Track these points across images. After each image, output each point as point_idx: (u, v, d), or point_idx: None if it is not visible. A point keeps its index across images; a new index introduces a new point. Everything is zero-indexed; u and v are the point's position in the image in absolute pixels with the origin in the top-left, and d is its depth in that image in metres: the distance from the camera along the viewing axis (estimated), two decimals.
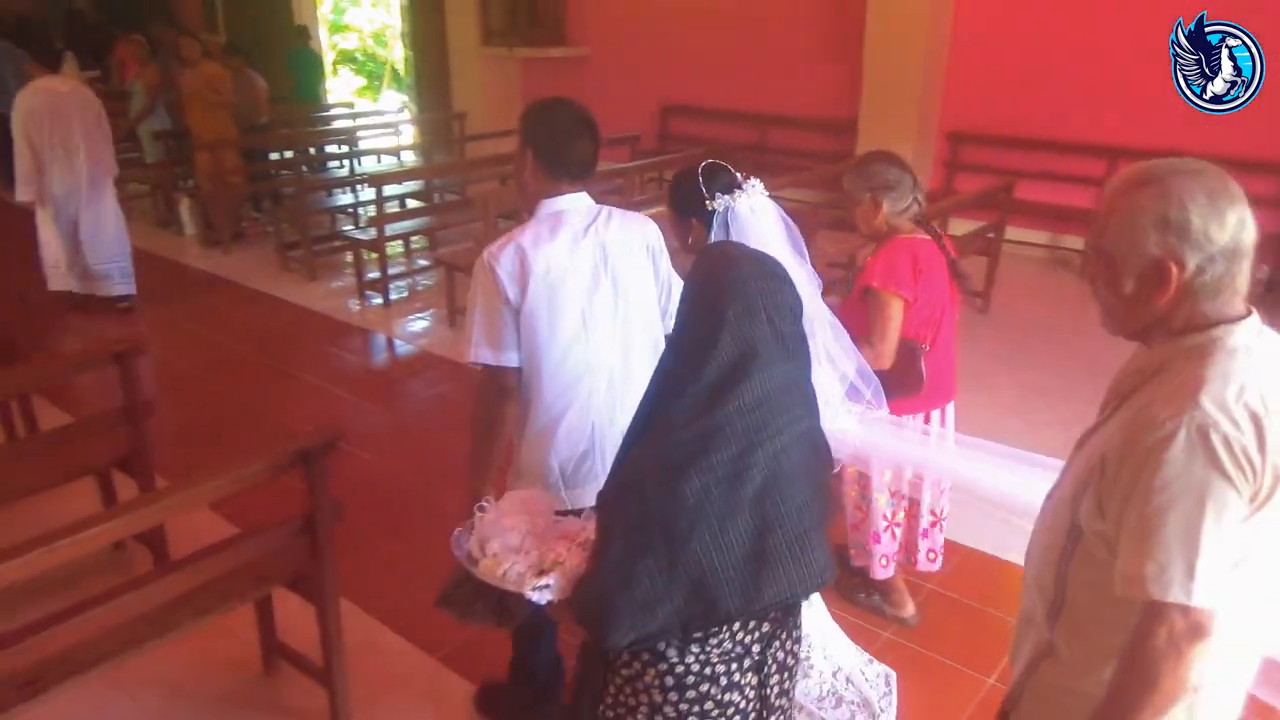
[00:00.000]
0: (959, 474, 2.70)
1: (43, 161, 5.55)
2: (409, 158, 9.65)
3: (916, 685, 2.75)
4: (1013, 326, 5.78)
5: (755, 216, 2.17)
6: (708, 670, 1.52)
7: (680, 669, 1.51)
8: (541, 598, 1.60)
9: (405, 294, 6.59)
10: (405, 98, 12.98)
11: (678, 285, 2.33)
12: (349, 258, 6.87)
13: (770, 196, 2.28)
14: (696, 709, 1.54)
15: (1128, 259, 1.34)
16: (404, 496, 3.92)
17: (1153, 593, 1.26)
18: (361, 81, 15.12)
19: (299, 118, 9.52)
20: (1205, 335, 1.33)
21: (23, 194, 5.65)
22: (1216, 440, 1.24)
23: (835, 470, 2.27)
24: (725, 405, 1.41)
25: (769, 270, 1.51)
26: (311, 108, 10.08)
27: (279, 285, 6.76)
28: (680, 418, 1.43)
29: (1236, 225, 1.29)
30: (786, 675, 1.66)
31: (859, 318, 2.69)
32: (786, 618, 1.62)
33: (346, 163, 8.65)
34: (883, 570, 3.05)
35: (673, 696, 1.53)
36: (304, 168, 8.54)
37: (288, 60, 10.45)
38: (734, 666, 1.54)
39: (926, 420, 2.86)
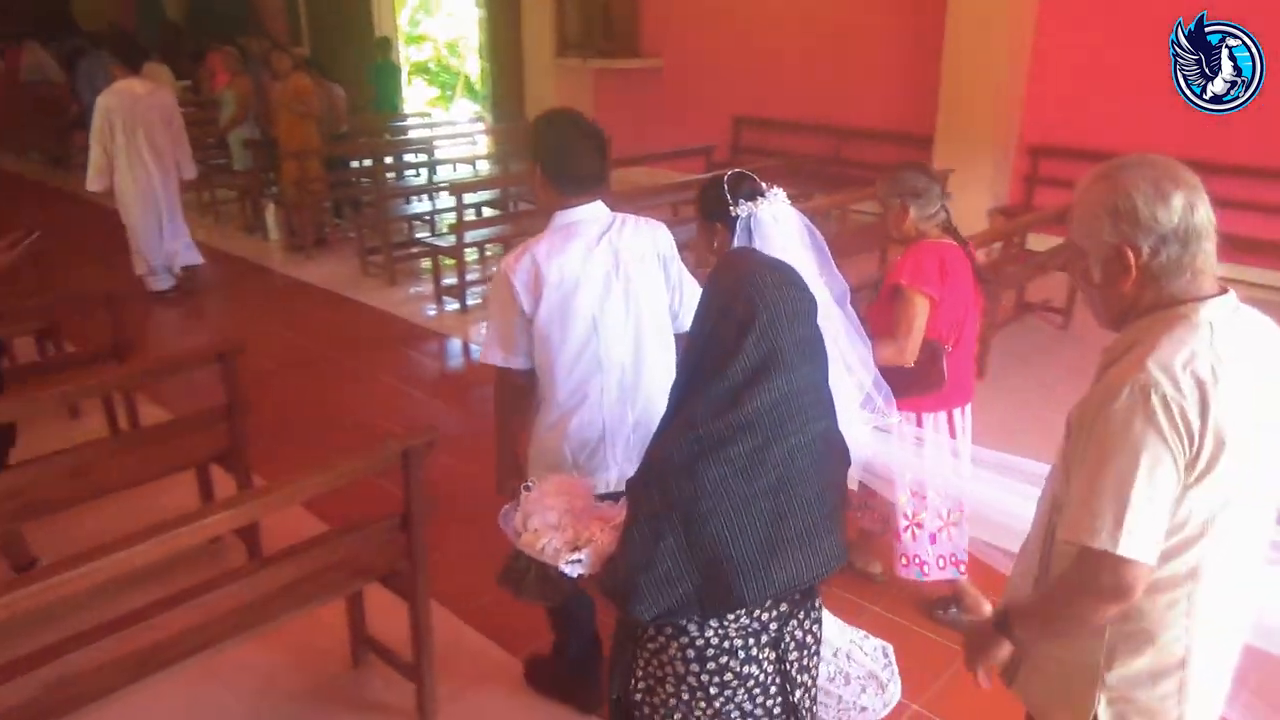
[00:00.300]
0: (969, 493, 2.80)
1: (113, 154, 6.03)
2: (483, 167, 9.82)
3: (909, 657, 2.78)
4: (1093, 342, 5.62)
5: (777, 224, 2.27)
6: (726, 644, 1.67)
7: (700, 642, 1.67)
8: (573, 570, 1.75)
9: (480, 300, 6.72)
10: (478, 108, 13.25)
11: (689, 287, 2.47)
12: (427, 264, 7.03)
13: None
14: (718, 679, 1.68)
15: (1091, 249, 1.46)
16: (480, 498, 3.97)
17: (1084, 539, 1.38)
18: (434, 92, 15.45)
19: (378, 127, 9.77)
20: (1173, 310, 1.42)
21: (92, 184, 6.17)
22: (1155, 400, 1.34)
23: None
24: (746, 404, 1.54)
25: (787, 278, 1.64)
26: (390, 117, 10.34)
27: (359, 290, 6.95)
28: (704, 413, 1.56)
29: (1184, 208, 1.39)
30: (806, 653, 1.78)
31: (887, 316, 2.83)
32: (804, 600, 1.75)
33: (423, 171, 8.84)
34: (904, 570, 3.08)
35: (694, 668, 1.68)
36: (384, 176, 8.75)
37: (368, 72, 10.74)
38: (751, 642, 1.68)
39: (950, 420, 2.96)
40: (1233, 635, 1.57)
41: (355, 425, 4.72)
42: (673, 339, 2.46)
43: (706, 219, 2.30)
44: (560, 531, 1.83)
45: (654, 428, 1.91)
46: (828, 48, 8.48)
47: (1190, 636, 1.49)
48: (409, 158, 9.35)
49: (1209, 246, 1.42)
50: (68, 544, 3.53)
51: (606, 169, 2.41)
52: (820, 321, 1.71)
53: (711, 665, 1.68)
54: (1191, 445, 1.35)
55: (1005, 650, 1.63)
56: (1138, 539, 1.36)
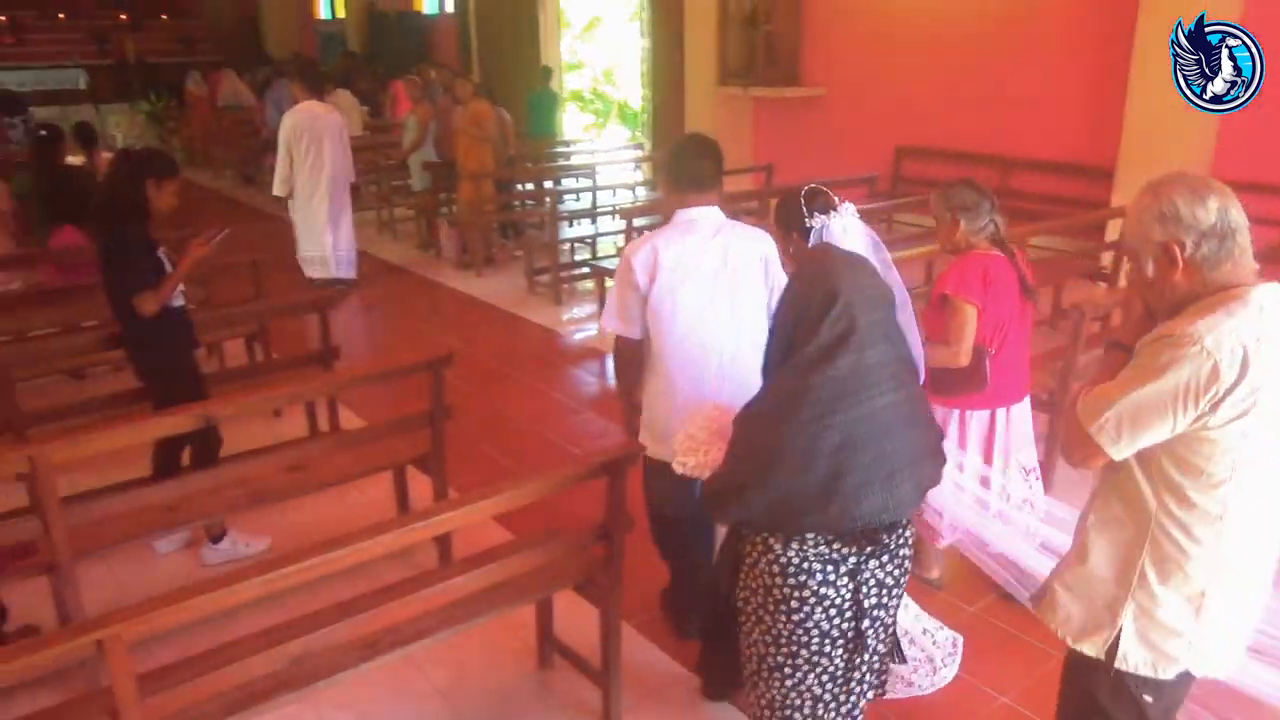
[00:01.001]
0: (986, 533, 2.88)
1: (296, 164, 7.02)
2: (641, 193, 10.06)
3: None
4: None
5: (846, 234, 2.49)
6: (805, 565, 1.97)
7: (784, 560, 1.98)
8: (678, 469, 2.22)
9: None
10: (631, 134, 13.57)
11: (781, 277, 2.76)
12: (590, 284, 7.25)
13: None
14: (797, 594, 1.98)
15: (1144, 250, 1.73)
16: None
17: (1089, 425, 1.70)
18: (588, 118, 15.90)
19: (542, 152, 10.16)
20: (1228, 292, 1.67)
21: (278, 189, 7.22)
22: (1192, 351, 1.60)
23: None
24: (817, 374, 1.88)
25: (865, 269, 2.00)
26: (552, 142, 10.73)
27: (526, 307, 7.23)
28: (786, 378, 1.93)
29: (1219, 209, 1.66)
30: (884, 592, 2.05)
31: (936, 322, 3.07)
32: (878, 547, 2.01)
33: (583, 195, 9.13)
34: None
35: (778, 580, 1.99)
36: (554, 199, 9.09)
37: (530, 99, 11.19)
38: (830, 569, 1.97)
39: (992, 418, 3.14)
40: (1253, 581, 1.80)
41: (527, 436, 4.92)
42: (768, 330, 2.62)
43: (784, 229, 2.48)
44: (688, 438, 2.25)
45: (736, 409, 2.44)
46: (997, 76, 8.28)
47: (1212, 571, 1.74)
48: (568, 182, 9.68)
49: (1243, 241, 1.68)
50: (281, 531, 3.88)
51: (720, 177, 2.80)
52: None
53: (792, 580, 1.98)
54: (1214, 397, 1.61)
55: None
56: (1123, 448, 1.69)
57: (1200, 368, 1.59)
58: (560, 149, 10.67)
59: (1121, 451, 1.70)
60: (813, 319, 1.89)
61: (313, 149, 7.00)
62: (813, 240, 2.45)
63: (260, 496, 3.26)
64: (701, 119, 10.60)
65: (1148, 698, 1.83)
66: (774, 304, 2.65)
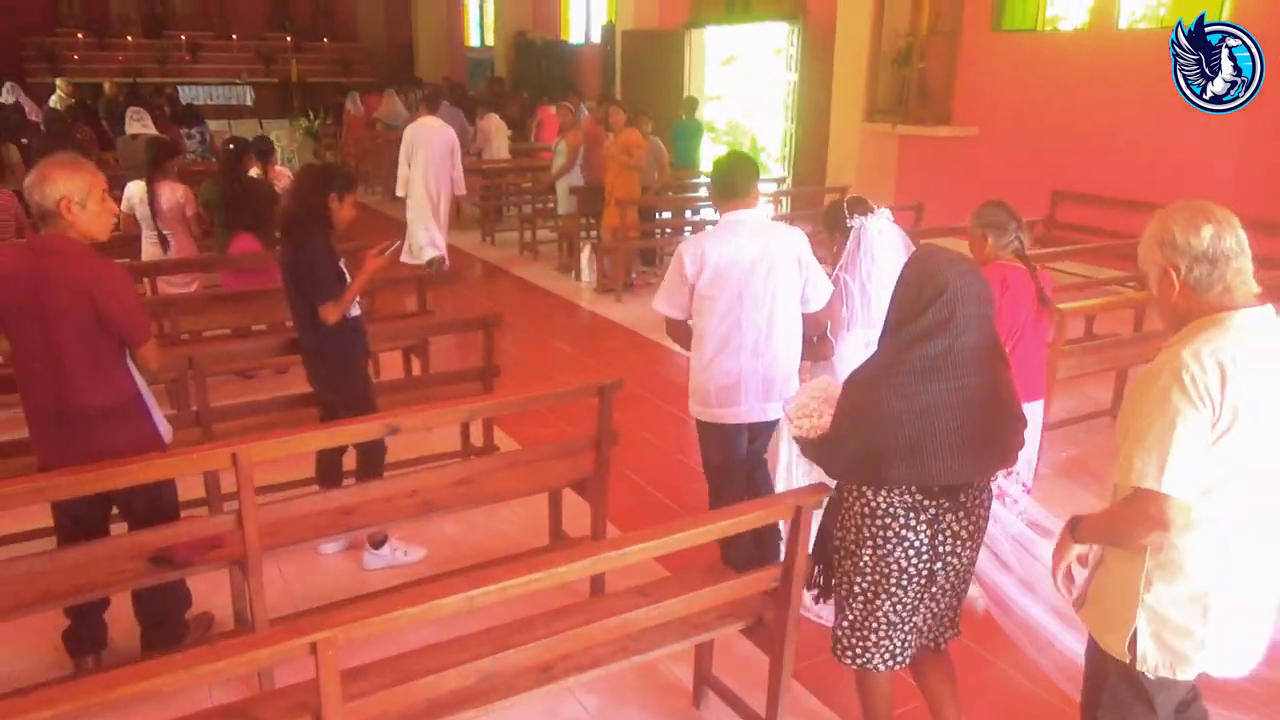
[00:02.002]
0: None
1: (411, 169, 8.09)
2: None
3: None
4: None
5: (881, 235, 3.10)
6: (891, 509, 2.31)
7: (874, 504, 2.33)
8: (795, 432, 2.52)
9: None
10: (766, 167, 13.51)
11: (816, 278, 3.29)
12: None
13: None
14: (882, 534, 2.33)
15: (1149, 271, 1.96)
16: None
17: (1134, 480, 1.83)
18: (721, 149, 15.95)
19: (684, 182, 10.21)
20: (1212, 317, 1.86)
21: (399, 190, 8.38)
22: (1187, 378, 1.79)
23: None
24: (914, 351, 2.20)
25: (970, 268, 2.28)
26: (694, 172, 10.78)
27: (665, 334, 7.20)
28: (888, 350, 2.29)
29: (1212, 237, 1.84)
30: (958, 543, 2.36)
31: None
32: (955, 503, 2.32)
33: None
34: None
35: (868, 521, 2.35)
36: (687, 229, 9.13)
37: (674, 129, 11.28)
38: (911, 516, 2.31)
39: None
40: (1261, 580, 1.97)
41: (674, 462, 4.88)
42: (800, 316, 3.32)
43: (829, 230, 3.14)
44: (800, 406, 2.58)
45: (777, 379, 3.26)
46: (1159, 122, 7.86)
47: (1212, 571, 1.91)
48: (707, 212, 9.68)
49: (1237, 265, 1.86)
50: (434, 541, 3.96)
51: (756, 186, 3.37)
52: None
53: (879, 522, 2.33)
54: (1214, 411, 1.79)
55: (1072, 553, 2.12)
56: (1176, 479, 1.79)
57: (1187, 375, 1.80)
58: (701, 179, 10.71)
59: (1173, 481, 1.80)
60: (920, 304, 2.21)
61: (423, 157, 8.04)
62: (851, 239, 3.19)
63: (429, 508, 3.33)
64: (845, 155, 10.48)
65: (1150, 678, 2.01)
66: (807, 292, 3.28)
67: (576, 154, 8.82)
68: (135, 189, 5.89)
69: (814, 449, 2.45)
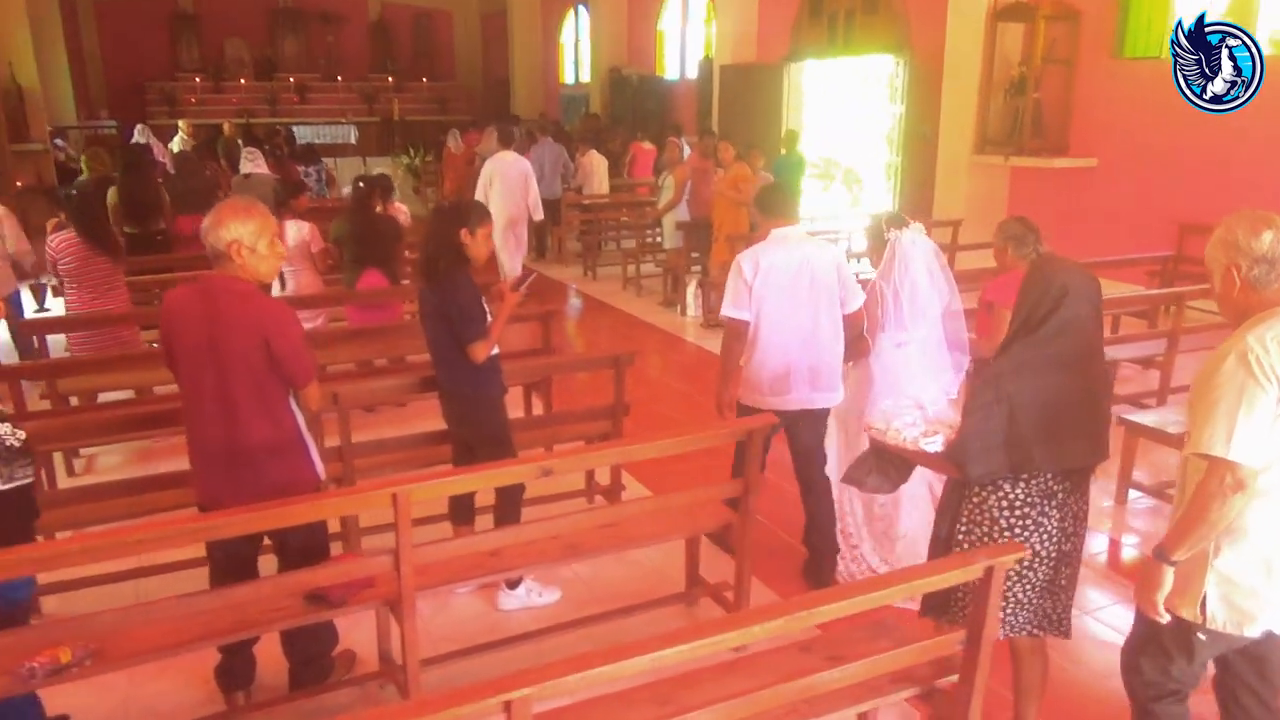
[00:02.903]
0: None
1: (490, 199, 8.50)
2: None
3: None
4: None
5: (915, 245, 3.57)
6: (1029, 499, 2.51)
7: (1013, 496, 2.52)
8: (931, 447, 2.66)
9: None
10: (853, 197, 13.28)
11: (851, 286, 3.82)
12: None
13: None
14: (1020, 523, 2.52)
15: (1215, 270, 2.22)
16: None
17: (1204, 448, 2.06)
18: (814, 183, 15.75)
19: None
20: (1271, 310, 2.13)
21: None
22: (1251, 359, 2.06)
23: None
24: (1049, 347, 2.44)
25: (1086, 274, 2.51)
26: None
27: None
28: (1023, 349, 2.47)
29: (1272, 241, 2.12)
30: (1078, 521, 2.60)
31: (985, 322, 4.07)
32: (1080, 484, 2.58)
33: None
34: None
35: (1007, 513, 2.53)
36: None
37: (775, 164, 11.19)
38: (1047, 502, 2.52)
39: None
40: None
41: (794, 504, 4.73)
42: (840, 316, 3.81)
43: (872, 243, 3.86)
44: (914, 427, 2.73)
45: (822, 371, 3.79)
46: None
47: (1273, 537, 2.16)
48: None
49: None
50: (566, 583, 3.91)
51: (797, 208, 4.17)
52: (927, 326, 3.57)
53: (1019, 512, 2.52)
54: (1277, 386, 2.04)
55: (1170, 580, 2.19)
56: (1243, 448, 2.03)
57: (1251, 357, 2.05)
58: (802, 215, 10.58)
59: (1241, 448, 2.02)
60: (1047, 306, 2.42)
61: (501, 188, 8.58)
62: (889, 249, 3.61)
63: (574, 551, 3.28)
64: (953, 187, 10.23)
65: (1201, 636, 2.25)
66: (844, 295, 3.79)
67: (684, 189, 8.81)
68: None
69: (944, 458, 2.60)
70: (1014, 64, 9.66)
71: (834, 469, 3.93)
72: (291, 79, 23.03)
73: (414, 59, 24.74)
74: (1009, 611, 2.57)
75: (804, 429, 3.86)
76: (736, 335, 3.83)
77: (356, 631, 3.41)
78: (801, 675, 2.22)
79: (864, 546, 3.99)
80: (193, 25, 22.79)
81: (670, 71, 17.45)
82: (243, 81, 22.71)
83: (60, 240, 5.59)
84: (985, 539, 2.53)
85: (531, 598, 3.78)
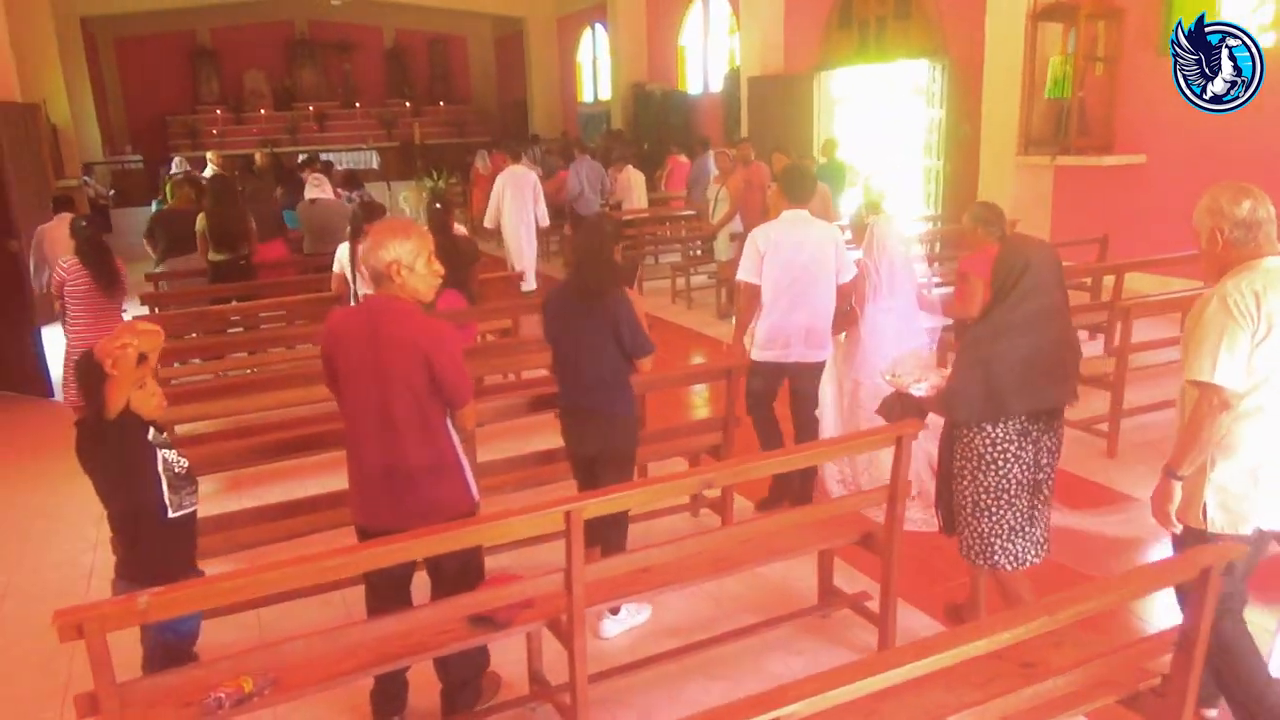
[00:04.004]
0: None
1: (503, 207, 10.03)
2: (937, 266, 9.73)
3: None
4: None
5: (888, 231, 4.56)
6: (1007, 436, 3.00)
7: (993, 435, 3.02)
8: (917, 392, 3.33)
9: None
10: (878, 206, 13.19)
11: (846, 260, 4.51)
12: None
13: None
14: (1001, 457, 3.02)
15: (1201, 230, 2.66)
16: None
17: (1194, 374, 2.55)
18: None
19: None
20: (1246, 264, 2.57)
21: (488, 221, 10.35)
22: (1231, 303, 2.51)
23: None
24: (1019, 311, 2.90)
25: (1047, 248, 3.04)
26: (837, 215, 10.63)
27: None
28: (1000, 312, 2.93)
29: (1250, 208, 2.57)
30: (1050, 455, 3.09)
31: (960, 289, 4.58)
32: (1050, 423, 3.06)
33: None
34: None
35: (988, 449, 3.03)
36: None
37: (815, 172, 11.16)
38: (1021, 439, 3.01)
39: None
40: None
41: None
42: (834, 286, 4.50)
43: (856, 229, 4.83)
44: (911, 375, 3.42)
45: (817, 330, 4.50)
46: None
47: (1260, 448, 2.60)
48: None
49: (1267, 230, 2.57)
50: (699, 597, 3.84)
51: (811, 195, 4.65)
52: (904, 297, 4.60)
53: (1000, 448, 3.02)
54: (1252, 324, 2.49)
55: (1178, 493, 2.66)
56: (1226, 373, 2.49)
57: (1231, 301, 2.50)
58: (841, 224, 10.54)
59: (1224, 374, 2.49)
60: (1014, 276, 2.88)
61: (511, 197, 9.93)
62: (868, 234, 4.57)
63: (719, 566, 3.23)
64: (998, 189, 10.17)
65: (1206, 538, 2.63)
66: (839, 267, 4.47)
67: (738, 201, 8.79)
68: (343, 251, 6.07)
69: (937, 402, 3.17)
70: (1056, 64, 9.63)
71: (829, 417, 4.81)
72: (310, 107, 23.20)
73: (430, 83, 24.92)
74: (1005, 540, 3.07)
75: (801, 378, 4.63)
76: (750, 296, 4.57)
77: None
78: (1008, 686, 2.17)
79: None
80: (212, 59, 23.01)
81: (693, 86, 17.49)
82: (262, 112, 22.87)
83: (71, 263, 5.90)
84: (976, 473, 3.06)
85: (631, 618, 3.73)
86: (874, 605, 3.54)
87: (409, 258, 2.76)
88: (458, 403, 2.87)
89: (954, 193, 11.18)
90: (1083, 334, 7.10)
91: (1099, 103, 9.55)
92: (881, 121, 13.75)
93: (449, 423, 2.91)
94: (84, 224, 6.22)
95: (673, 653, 3.43)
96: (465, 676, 3.11)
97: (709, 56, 16.96)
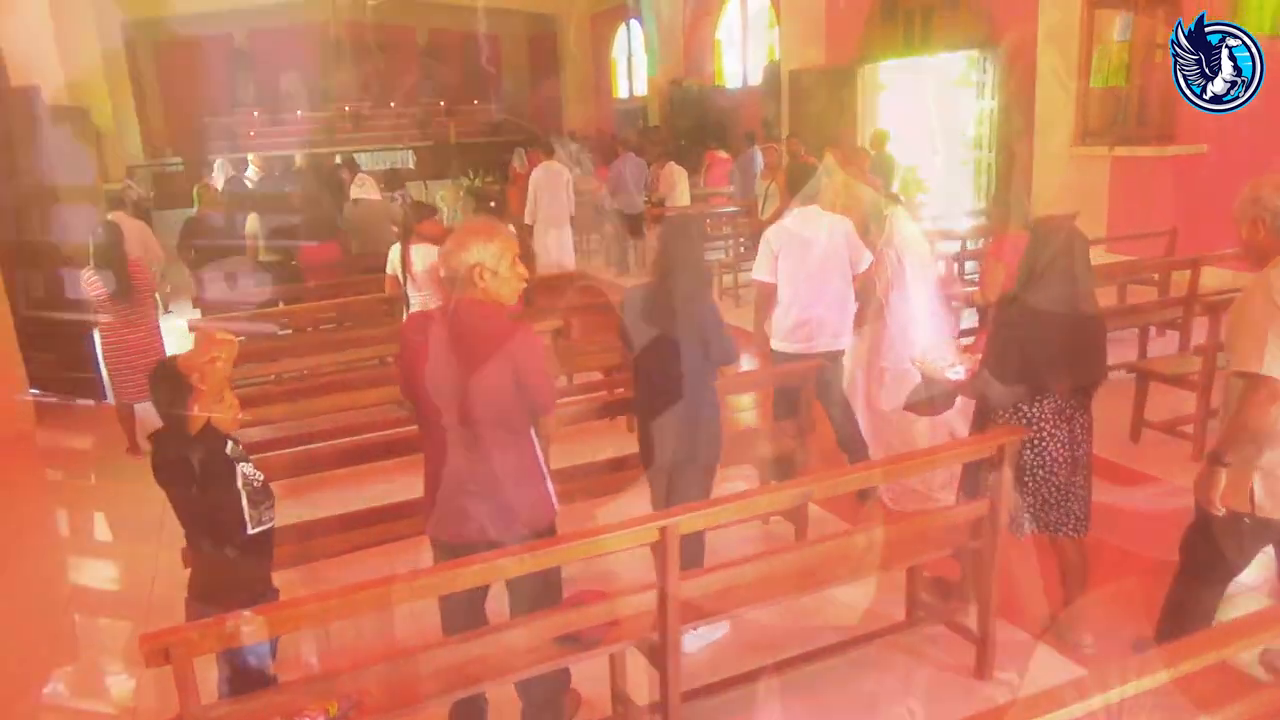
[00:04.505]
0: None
1: (540, 201, 10.13)
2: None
3: None
4: None
5: (905, 219, 4.67)
6: (1043, 415, 3.14)
7: (1030, 414, 3.15)
8: (953, 375, 3.58)
9: None
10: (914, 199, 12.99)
11: (859, 249, 4.58)
12: None
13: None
14: (1039, 434, 3.15)
15: (1243, 220, 2.77)
16: None
17: (1241, 364, 2.63)
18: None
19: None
20: None
21: (528, 217, 10.22)
22: (1274, 290, 2.60)
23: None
24: (1041, 295, 3.02)
25: (1078, 233, 3.16)
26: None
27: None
28: (1026, 300, 3.06)
29: None
30: (1084, 432, 3.21)
31: (983, 274, 4.85)
32: (1083, 402, 3.20)
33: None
34: None
35: (1028, 429, 3.14)
36: None
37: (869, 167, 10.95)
38: (1059, 418, 3.14)
39: None
40: None
41: None
42: (850, 277, 4.59)
43: (875, 220, 4.72)
44: (946, 360, 3.67)
45: (833, 323, 4.61)
46: None
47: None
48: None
49: None
50: (780, 611, 3.70)
51: (819, 192, 4.64)
52: (927, 285, 4.66)
53: (1036, 426, 3.13)
54: None
55: (1223, 479, 2.69)
56: (1275, 365, 2.54)
57: (1276, 291, 2.55)
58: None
59: (1273, 365, 2.52)
60: (1046, 259, 3.00)
61: (545, 193, 10.08)
62: (888, 225, 4.65)
63: (810, 581, 3.08)
64: (1052, 181, 9.93)
65: (1247, 520, 2.75)
66: (853, 258, 4.56)
67: (787, 197, 8.60)
68: (395, 253, 5.99)
69: (973, 387, 3.29)
70: (1114, 52, 9.36)
71: (858, 402, 4.86)
72: (346, 108, 23.25)
73: (464, 82, 24.87)
74: (1040, 509, 3.21)
75: (824, 368, 4.60)
76: (764, 295, 4.66)
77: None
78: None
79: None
80: (248, 61, 23.13)
81: (731, 80, 17.30)
82: (299, 113, 22.96)
83: (89, 273, 5.92)
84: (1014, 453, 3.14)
85: (711, 633, 3.60)
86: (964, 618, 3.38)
87: (493, 261, 2.65)
88: (541, 409, 2.75)
89: (1003, 189, 10.92)
90: (1151, 330, 6.90)
91: (1159, 92, 9.26)
92: (928, 114, 13.49)
93: (532, 430, 2.79)
94: (100, 231, 6.13)
95: (759, 671, 3.29)
96: (548, 696, 2.99)
97: (748, 49, 16.75)
